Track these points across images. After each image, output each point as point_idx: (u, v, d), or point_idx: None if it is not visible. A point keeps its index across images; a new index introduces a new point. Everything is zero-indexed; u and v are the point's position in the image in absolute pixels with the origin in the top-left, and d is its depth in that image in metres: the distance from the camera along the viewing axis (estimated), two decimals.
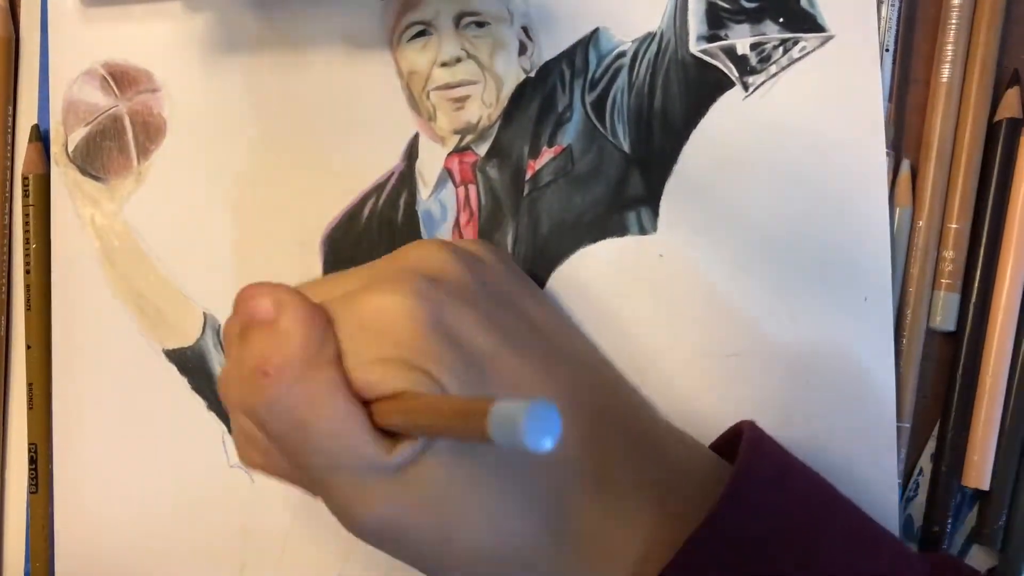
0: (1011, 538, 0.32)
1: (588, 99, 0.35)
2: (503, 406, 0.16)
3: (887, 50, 0.33)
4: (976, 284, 0.33)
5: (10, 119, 0.37)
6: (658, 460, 0.28)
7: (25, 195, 0.37)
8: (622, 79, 0.34)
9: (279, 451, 0.25)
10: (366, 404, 0.24)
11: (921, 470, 0.34)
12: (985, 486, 0.32)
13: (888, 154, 0.33)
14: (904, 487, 0.34)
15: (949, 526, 0.33)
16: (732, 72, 0.34)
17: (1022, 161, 0.33)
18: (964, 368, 0.33)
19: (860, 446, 0.33)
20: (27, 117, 0.38)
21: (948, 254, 0.33)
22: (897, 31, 0.33)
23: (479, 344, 0.25)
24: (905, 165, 0.34)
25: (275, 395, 0.23)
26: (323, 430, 0.23)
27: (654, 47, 0.34)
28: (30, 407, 0.37)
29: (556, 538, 0.25)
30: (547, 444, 0.15)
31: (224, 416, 0.36)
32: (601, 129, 0.34)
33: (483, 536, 0.24)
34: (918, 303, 0.33)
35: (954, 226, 0.33)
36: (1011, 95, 0.33)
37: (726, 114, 0.34)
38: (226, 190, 0.36)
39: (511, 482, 0.25)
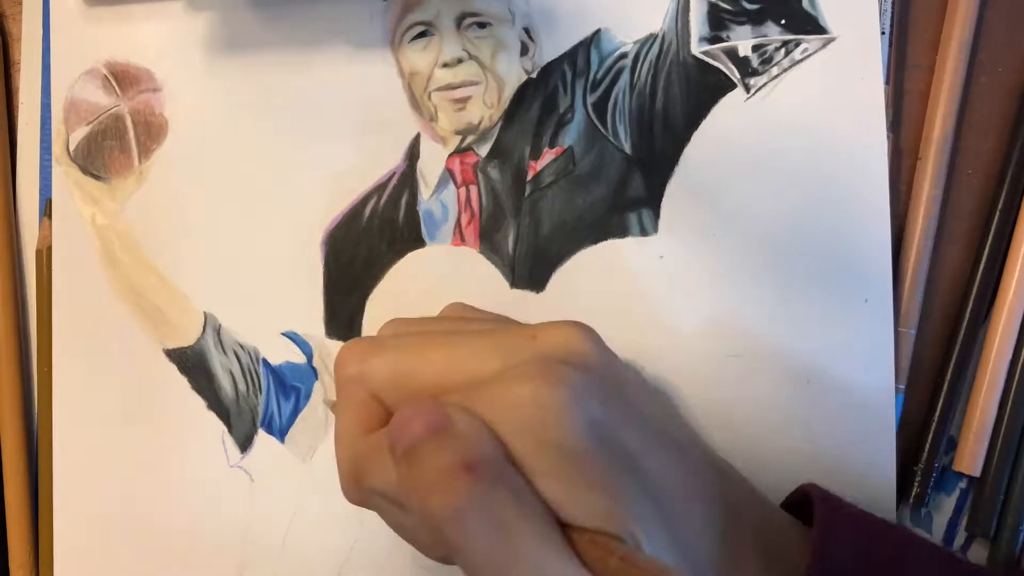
0: (1003, 526, 0.33)
1: (589, 100, 0.35)
2: None
3: (883, 33, 0.33)
4: (983, 264, 0.33)
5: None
6: (769, 541, 0.27)
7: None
8: (624, 80, 0.34)
9: (470, 566, 0.22)
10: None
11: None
12: (977, 472, 0.33)
13: (888, 136, 0.33)
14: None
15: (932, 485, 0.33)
16: (734, 73, 0.34)
17: None
18: (961, 350, 0.33)
19: (859, 448, 0.33)
20: (30, 117, 0.38)
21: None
22: (893, 14, 0.34)
23: (628, 448, 0.23)
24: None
25: (481, 494, 0.21)
26: (530, 537, 0.21)
27: (656, 48, 0.34)
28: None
29: None
30: None
31: (224, 416, 0.36)
32: (602, 130, 0.34)
33: None
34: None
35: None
36: None
37: (727, 116, 0.34)
38: (227, 190, 0.36)
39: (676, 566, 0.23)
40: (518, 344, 0.25)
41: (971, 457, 0.33)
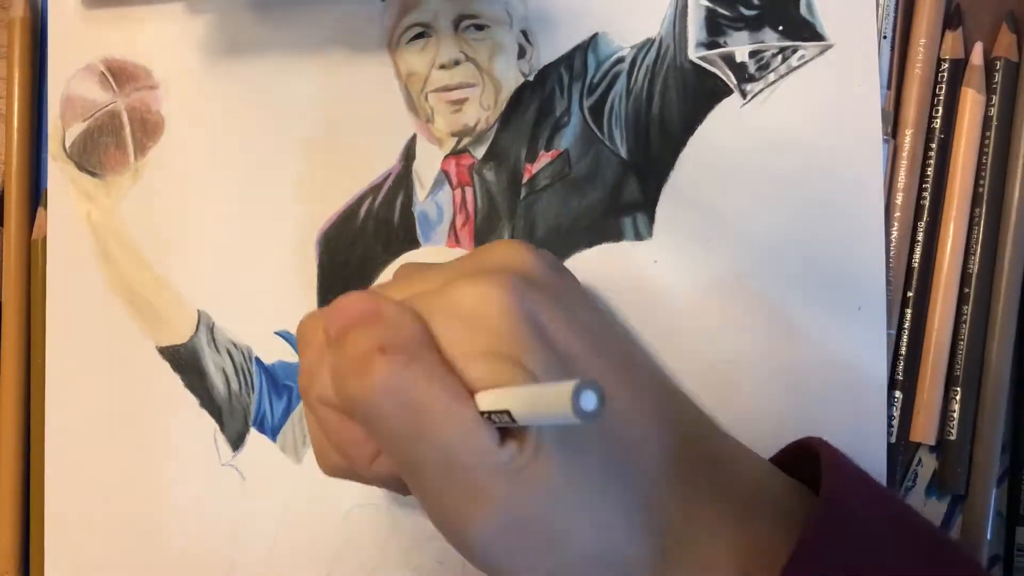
0: (972, 483, 0.33)
1: (586, 104, 0.35)
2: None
3: (884, 37, 0.33)
4: (922, 235, 0.34)
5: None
6: (733, 473, 0.27)
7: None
8: (620, 84, 0.34)
9: (386, 446, 0.23)
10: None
11: (920, 460, 0.34)
12: (932, 441, 0.33)
13: (886, 140, 0.33)
14: (903, 477, 0.34)
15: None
16: (730, 79, 0.34)
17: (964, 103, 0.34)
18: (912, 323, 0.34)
19: (852, 452, 0.33)
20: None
21: None
22: (895, 18, 0.34)
23: (568, 345, 0.24)
24: None
25: (391, 374, 0.22)
26: (440, 414, 0.22)
27: (653, 53, 0.34)
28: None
29: (650, 546, 0.24)
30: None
31: (217, 415, 0.36)
32: (599, 134, 0.34)
33: (590, 543, 0.23)
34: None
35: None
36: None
37: (724, 121, 0.34)
38: (222, 188, 0.36)
39: (611, 484, 0.24)
40: (467, 261, 0.27)
41: (925, 427, 0.33)
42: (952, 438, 0.33)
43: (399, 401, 0.22)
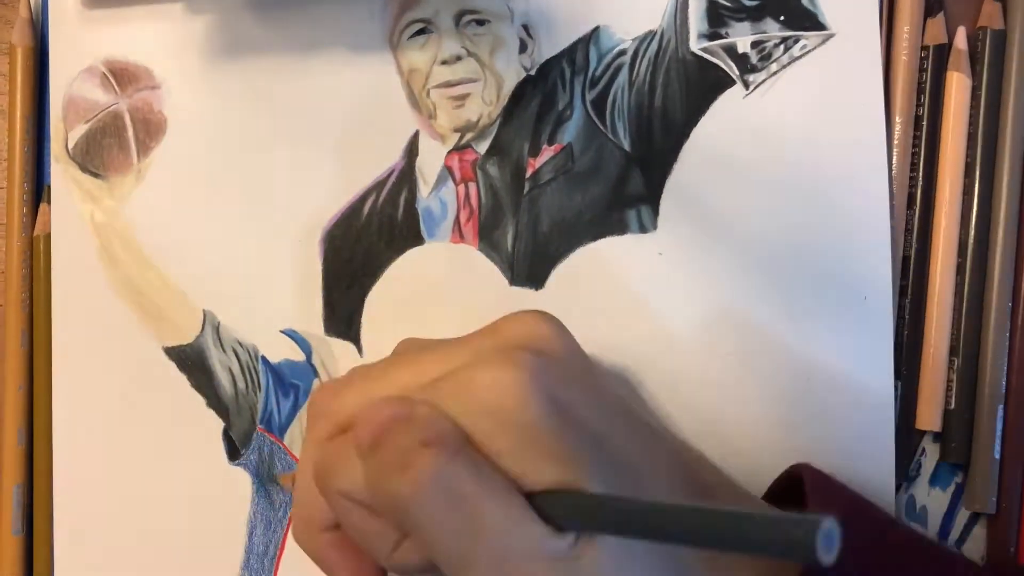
0: (974, 454, 0.33)
1: (588, 97, 0.35)
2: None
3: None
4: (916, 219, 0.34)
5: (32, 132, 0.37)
6: None
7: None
8: (623, 77, 0.34)
9: (433, 542, 0.22)
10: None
11: (924, 450, 0.34)
12: (937, 427, 0.33)
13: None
14: (907, 465, 0.34)
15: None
16: (733, 70, 0.34)
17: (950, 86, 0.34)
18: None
19: (858, 445, 0.33)
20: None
21: None
22: (881, 6, 0.33)
23: (595, 424, 0.24)
24: None
25: (438, 467, 0.21)
26: (493, 506, 0.21)
27: (655, 45, 0.34)
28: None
29: None
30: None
31: (224, 414, 0.36)
32: (601, 127, 0.34)
33: None
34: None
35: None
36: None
37: (726, 112, 0.34)
38: (226, 187, 0.36)
39: (656, 569, 0.23)
40: (480, 340, 0.26)
41: (929, 414, 0.33)
42: (952, 407, 0.33)
43: (448, 496, 0.21)
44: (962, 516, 0.34)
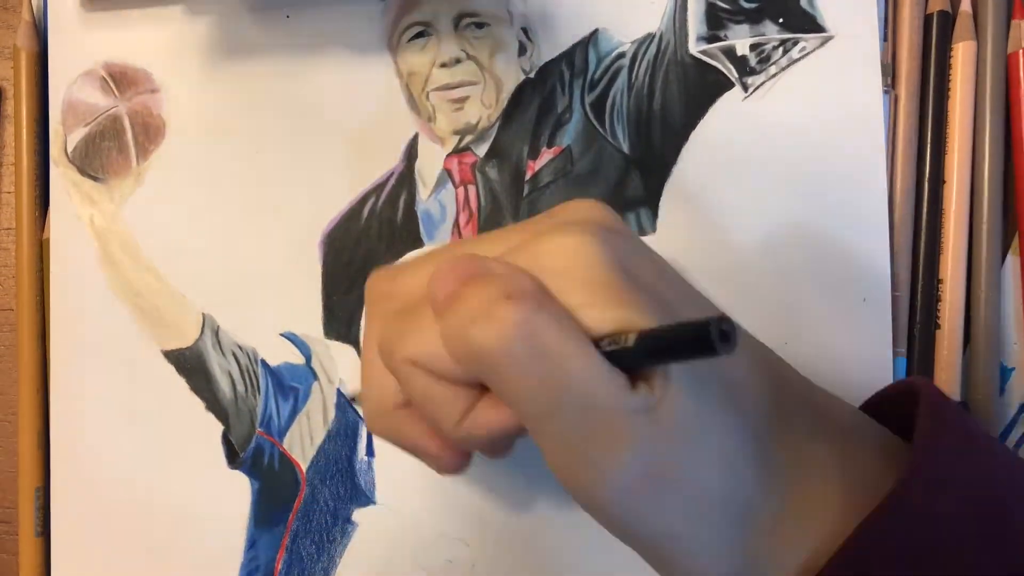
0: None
1: (587, 100, 0.35)
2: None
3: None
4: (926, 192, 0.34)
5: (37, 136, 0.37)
6: (828, 415, 0.26)
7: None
8: (621, 80, 0.34)
9: (517, 395, 0.22)
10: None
11: None
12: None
13: (886, 91, 0.33)
14: None
15: None
16: (731, 73, 0.34)
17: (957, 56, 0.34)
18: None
19: None
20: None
21: None
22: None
23: (660, 291, 0.24)
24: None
25: (524, 318, 0.21)
26: (577, 358, 0.21)
27: (653, 48, 0.34)
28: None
29: (771, 486, 0.24)
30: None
31: (223, 417, 0.36)
32: (600, 130, 0.34)
33: (718, 484, 0.23)
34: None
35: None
36: None
37: (725, 115, 0.34)
38: (225, 190, 0.36)
39: (731, 422, 0.23)
40: (537, 222, 0.25)
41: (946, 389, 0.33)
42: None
43: (533, 346, 0.21)
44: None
